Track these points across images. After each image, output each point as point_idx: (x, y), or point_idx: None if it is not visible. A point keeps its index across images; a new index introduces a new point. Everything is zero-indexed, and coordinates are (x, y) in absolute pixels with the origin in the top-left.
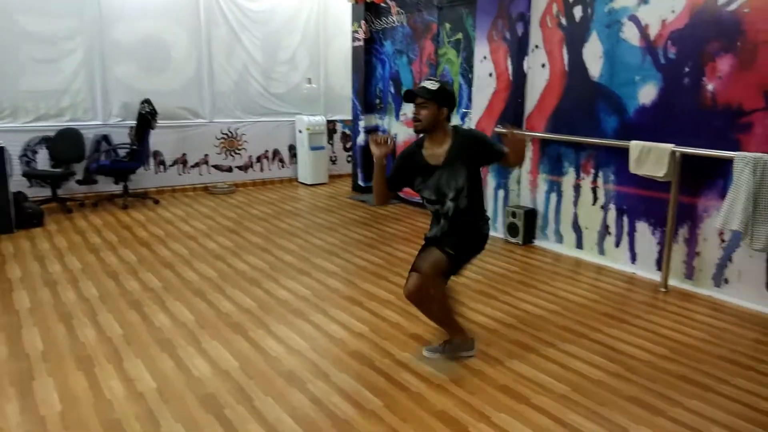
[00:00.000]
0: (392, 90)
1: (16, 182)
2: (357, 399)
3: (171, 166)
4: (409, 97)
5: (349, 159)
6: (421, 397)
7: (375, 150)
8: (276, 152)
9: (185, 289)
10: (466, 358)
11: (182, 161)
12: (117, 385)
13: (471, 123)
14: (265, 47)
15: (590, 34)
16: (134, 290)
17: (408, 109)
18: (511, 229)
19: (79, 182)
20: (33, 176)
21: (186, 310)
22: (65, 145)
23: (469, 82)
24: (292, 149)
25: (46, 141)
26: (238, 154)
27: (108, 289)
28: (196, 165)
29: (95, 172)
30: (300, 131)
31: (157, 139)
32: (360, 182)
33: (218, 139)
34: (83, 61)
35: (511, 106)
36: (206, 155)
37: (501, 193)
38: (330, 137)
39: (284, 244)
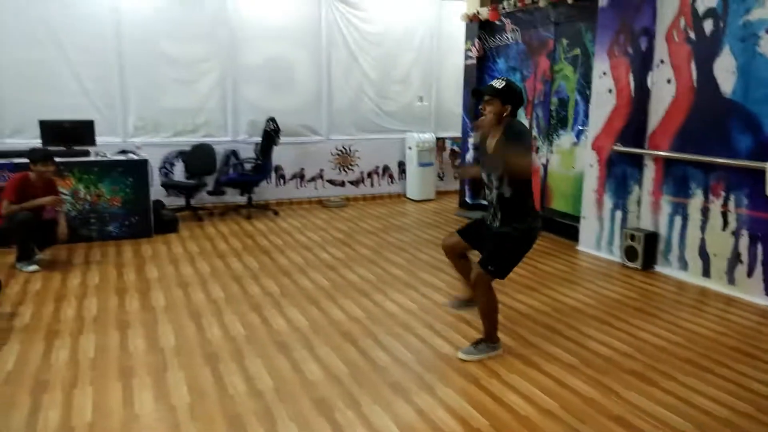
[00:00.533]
0: None
1: (156, 192)
2: (462, 415)
3: (290, 179)
4: (478, 94)
5: (457, 176)
6: (528, 421)
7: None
8: (386, 168)
9: (300, 295)
10: (494, 356)
11: (300, 175)
12: (239, 381)
13: (587, 140)
14: (379, 67)
15: (722, 48)
16: (255, 294)
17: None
18: (629, 253)
19: (209, 193)
20: (170, 186)
21: (301, 315)
22: (199, 158)
23: (587, 99)
24: (401, 165)
25: (182, 155)
26: (351, 169)
27: (232, 292)
28: (312, 179)
29: (224, 184)
30: (410, 148)
31: (278, 155)
32: (467, 199)
33: (333, 155)
34: (216, 82)
35: (633, 123)
36: (321, 170)
37: (618, 214)
38: (438, 154)
39: (392, 257)
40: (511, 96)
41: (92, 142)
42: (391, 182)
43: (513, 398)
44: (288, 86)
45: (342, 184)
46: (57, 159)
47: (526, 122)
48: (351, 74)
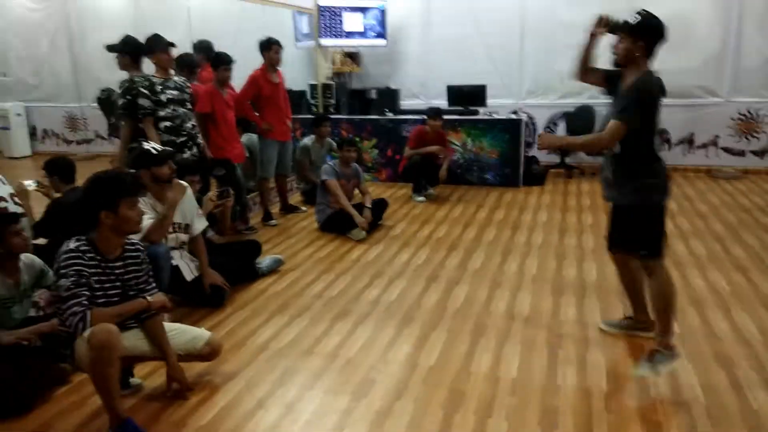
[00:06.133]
0: None
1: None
2: None
3: (676, 144)
4: (611, 30)
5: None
6: None
7: None
8: None
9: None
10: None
11: (689, 141)
12: (521, 309)
13: None
14: None
15: None
16: (569, 245)
17: None
18: None
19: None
20: None
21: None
22: (580, 119)
23: None
24: None
25: (565, 116)
26: (756, 137)
27: (550, 239)
28: (704, 146)
29: None
30: None
31: (665, 117)
32: None
33: (734, 120)
34: (605, 43)
35: None
36: (716, 136)
37: None
38: None
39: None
40: (644, 31)
41: (483, 104)
42: None
43: None
44: (682, 44)
45: (741, 153)
46: (455, 117)
47: None
48: None
